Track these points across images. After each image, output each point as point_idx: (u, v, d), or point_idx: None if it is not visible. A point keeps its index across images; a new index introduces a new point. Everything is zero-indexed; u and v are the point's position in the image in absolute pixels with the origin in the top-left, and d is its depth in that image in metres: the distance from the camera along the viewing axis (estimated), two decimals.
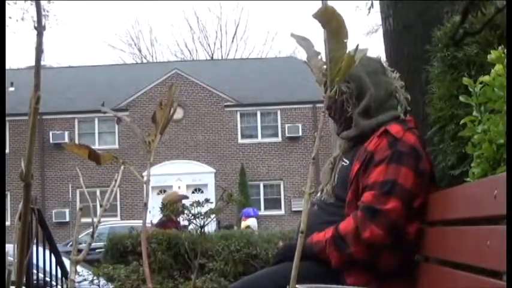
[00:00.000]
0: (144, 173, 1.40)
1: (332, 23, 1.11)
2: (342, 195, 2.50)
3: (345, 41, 1.11)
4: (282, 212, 26.67)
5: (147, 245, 5.86)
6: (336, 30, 1.11)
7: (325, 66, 1.16)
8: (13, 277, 1.13)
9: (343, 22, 1.12)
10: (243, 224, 16.94)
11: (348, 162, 2.57)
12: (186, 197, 7.54)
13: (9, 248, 1.27)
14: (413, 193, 2.41)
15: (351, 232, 2.37)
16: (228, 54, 44.28)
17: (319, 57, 1.18)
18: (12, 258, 1.15)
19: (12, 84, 26.63)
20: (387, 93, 2.62)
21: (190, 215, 5.63)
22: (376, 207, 2.36)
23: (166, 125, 1.34)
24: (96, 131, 27.31)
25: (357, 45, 1.13)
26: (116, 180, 1.47)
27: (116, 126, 26.25)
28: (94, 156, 1.37)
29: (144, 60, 43.13)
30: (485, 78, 2.07)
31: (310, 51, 1.19)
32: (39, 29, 0.90)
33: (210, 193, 23.72)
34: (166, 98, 1.35)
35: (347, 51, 1.11)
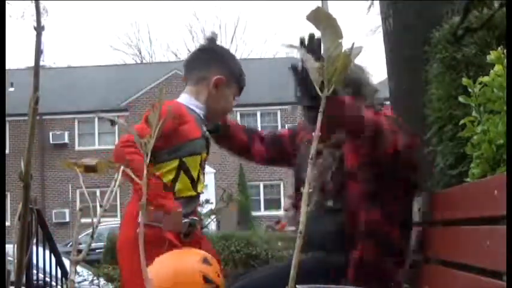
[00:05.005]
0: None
1: (325, 24, 1.12)
2: (339, 197, 2.48)
3: (340, 40, 1.12)
4: (282, 212, 26.66)
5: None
6: (329, 31, 1.12)
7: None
8: (12, 277, 1.13)
9: (336, 22, 1.13)
10: None
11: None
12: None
13: (9, 248, 1.27)
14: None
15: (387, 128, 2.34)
16: None
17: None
18: (12, 258, 1.15)
19: (12, 85, 26.62)
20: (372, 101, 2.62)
21: None
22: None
23: (160, 127, 1.33)
24: (96, 131, 27.27)
25: (353, 44, 1.14)
26: (115, 180, 1.47)
27: (116, 127, 26.21)
28: (90, 168, 1.38)
29: (144, 61, 43.14)
30: (485, 78, 2.07)
31: (306, 55, 1.19)
32: (39, 29, 0.90)
33: (210, 193, 23.70)
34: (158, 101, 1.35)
35: (343, 51, 1.12)
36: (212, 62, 2.76)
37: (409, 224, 2.56)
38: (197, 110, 2.68)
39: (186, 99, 2.70)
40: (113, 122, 1.41)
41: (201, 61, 2.78)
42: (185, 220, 2.55)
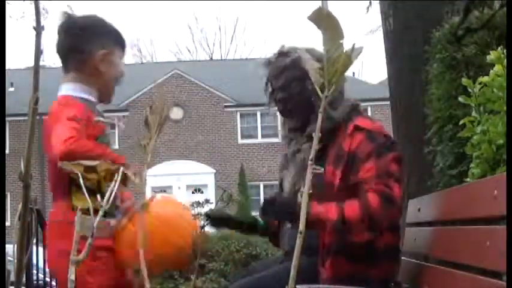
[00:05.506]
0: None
1: (327, 24, 1.12)
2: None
3: (341, 41, 1.12)
4: None
5: None
6: (331, 31, 1.12)
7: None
8: (12, 277, 1.14)
9: (338, 23, 1.12)
10: None
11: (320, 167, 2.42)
12: None
13: (9, 248, 1.27)
14: (402, 175, 2.34)
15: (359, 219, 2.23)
16: (227, 55, 44.33)
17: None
18: (12, 258, 1.15)
19: (12, 85, 26.63)
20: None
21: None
22: (390, 194, 2.24)
23: (160, 127, 1.34)
24: None
25: (353, 45, 1.14)
26: (115, 181, 1.47)
27: (116, 128, 26.19)
28: (90, 169, 1.39)
29: (144, 61, 43.14)
30: (485, 79, 2.07)
31: (305, 55, 1.20)
32: (38, 29, 0.90)
33: (210, 193, 23.72)
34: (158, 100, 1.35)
35: (343, 51, 1.12)
36: (86, 41, 2.55)
37: (399, 225, 2.43)
38: (87, 96, 2.54)
39: (72, 90, 2.54)
40: (112, 125, 1.41)
41: (73, 44, 2.56)
42: (111, 220, 2.45)
